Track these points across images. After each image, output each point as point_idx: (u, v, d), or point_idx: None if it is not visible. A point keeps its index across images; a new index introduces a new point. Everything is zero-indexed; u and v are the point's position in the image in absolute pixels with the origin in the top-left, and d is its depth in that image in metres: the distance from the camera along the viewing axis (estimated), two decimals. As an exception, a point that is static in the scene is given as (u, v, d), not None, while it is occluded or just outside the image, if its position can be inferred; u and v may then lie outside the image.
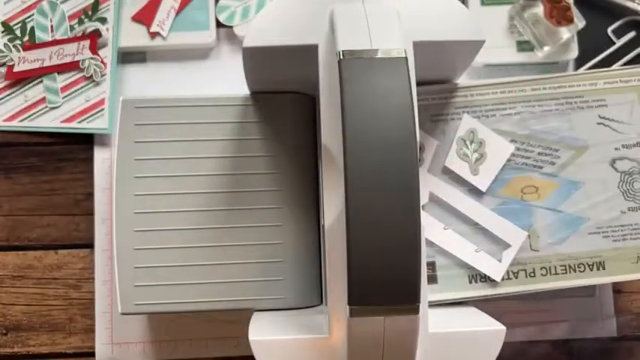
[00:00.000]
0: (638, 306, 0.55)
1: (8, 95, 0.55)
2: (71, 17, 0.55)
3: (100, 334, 0.53)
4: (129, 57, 0.56)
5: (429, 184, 0.47)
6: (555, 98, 0.48)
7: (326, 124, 0.40)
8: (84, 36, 0.55)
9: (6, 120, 0.55)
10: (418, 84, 0.42)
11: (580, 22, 0.54)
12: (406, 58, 0.36)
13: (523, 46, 0.55)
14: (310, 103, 0.49)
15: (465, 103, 0.48)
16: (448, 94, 0.48)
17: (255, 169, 0.48)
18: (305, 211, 0.48)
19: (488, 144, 0.48)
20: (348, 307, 0.34)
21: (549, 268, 0.47)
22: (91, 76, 0.55)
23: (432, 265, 0.47)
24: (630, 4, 0.57)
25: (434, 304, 0.46)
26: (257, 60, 0.43)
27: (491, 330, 0.41)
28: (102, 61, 0.54)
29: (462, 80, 0.49)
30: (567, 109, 0.48)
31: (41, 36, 0.55)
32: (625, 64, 0.56)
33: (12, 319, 0.54)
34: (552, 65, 0.56)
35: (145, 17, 0.55)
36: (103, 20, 0.55)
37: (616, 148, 0.48)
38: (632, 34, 0.57)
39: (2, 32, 0.55)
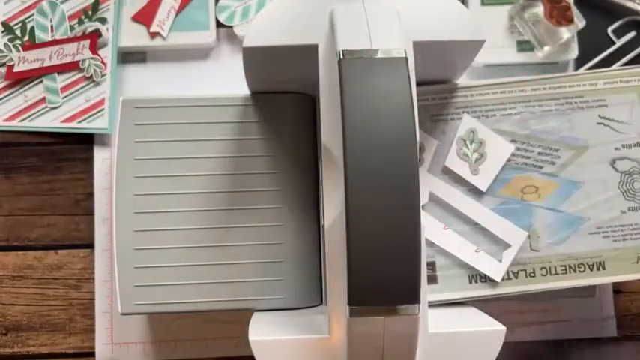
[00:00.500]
0: (638, 306, 0.55)
1: (8, 95, 0.55)
2: (71, 17, 0.55)
3: (100, 334, 0.53)
4: (129, 57, 0.56)
5: (429, 184, 0.47)
6: (555, 98, 0.48)
7: (326, 124, 0.40)
8: (84, 36, 0.55)
9: (6, 120, 0.55)
10: (418, 84, 0.42)
11: (580, 22, 0.54)
12: (406, 58, 0.36)
13: (523, 46, 0.55)
14: (310, 103, 0.49)
15: (465, 103, 0.48)
16: (448, 94, 0.48)
17: (255, 169, 0.48)
18: (305, 211, 0.48)
19: (488, 144, 0.48)
20: (348, 307, 0.34)
21: (549, 268, 0.47)
22: (91, 76, 0.55)
23: (432, 265, 0.47)
24: (630, 4, 0.57)
25: (434, 304, 0.46)
26: (257, 60, 0.43)
27: (491, 330, 0.41)
28: (102, 61, 0.54)
29: (462, 80, 0.49)
30: (567, 109, 0.48)
31: (41, 36, 0.55)
32: (625, 64, 0.56)
33: (12, 319, 0.54)
34: (552, 65, 0.56)
35: (145, 17, 0.55)
36: (103, 20, 0.55)
37: (616, 148, 0.48)
38: (632, 34, 0.57)
39: (2, 32, 0.55)
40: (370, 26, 0.37)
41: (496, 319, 0.43)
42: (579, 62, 0.56)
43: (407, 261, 0.34)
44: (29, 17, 0.56)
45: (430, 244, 0.47)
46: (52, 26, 0.55)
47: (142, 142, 0.48)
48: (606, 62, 0.56)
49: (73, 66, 0.55)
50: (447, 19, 0.42)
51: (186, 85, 0.56)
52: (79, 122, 0.54)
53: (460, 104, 0.48)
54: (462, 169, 0.47)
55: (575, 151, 0.48)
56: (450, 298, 0.47)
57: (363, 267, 0.34)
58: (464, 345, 0.41)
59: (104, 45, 0.55)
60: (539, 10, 0.54)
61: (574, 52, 0.55)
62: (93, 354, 0.53)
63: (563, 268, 0.47)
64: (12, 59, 0.55)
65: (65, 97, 0.55)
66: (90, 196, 0.54)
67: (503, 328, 0.41)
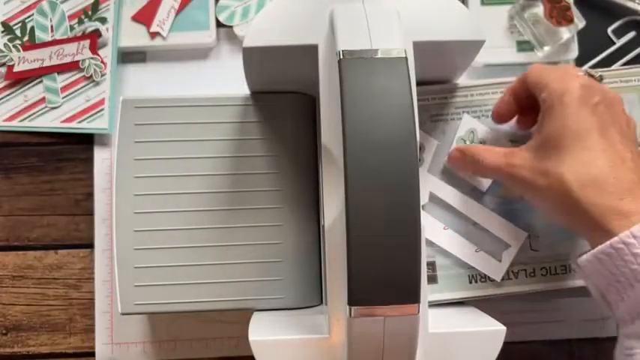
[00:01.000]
0: (638, 306, 0.55)
1: (8, 95, 0.55)
2: (71, 17, 0.55)
3: (100, 334, 0.53)
4: (129, 57, 0.56)
5: (429, 184, 0.47)
6: (555, 98, 0.48)
7: (326, 124, 0.40)
8: (84, 36, 0.55)
9: (6, 120, 0.55)
10: (418, 84, 0.42)
11: (580, 22, 0.54)
12: (406, 58, 0.36)
13: (523, 46, 0.55)
14: (310, 103, 0.49)
15: (465, 103, 0.48)
16: (448, 94, 0.48)
17: (255, 169, 0.48)
18: (305, 211, 0.48)
19: (488, 144, 0.48)
20: (348, 307, 0.34)
21: (549, 268, 0.47)
22: (91, 76, 0.55)
23: (432, 265, 0.47)
24: (630, 4, 0.57)
25: (434, 304, 0.46)
26: (257, 60, 0.43)
27: (491, 330, 0.41)
28: (102, 61, 0.54)
29: (462, 80, 0.49)
30: (567, 109, 0.48)
31: (41, 36, 0.55)
32: (625, 64, 0.56)
33: (12, 319, 0.54)
34: (552, 65, 0.55)
35: (145, 17, 0.55)
36: (103, 20, 0.55)
37: (616, 148, 0.48)
38: (632, 34, 0.57)
39: (2, 32, 0.55)
40: (370, 26, 0.37)
41: (496, 319, 0.43)
42: (579, 62, 0.56)
43: (407, 261, 0.34)
44: (29, 17, 0.56)
45: (430, 244, 0.47)
46: (51, 26, 0.55)
47: (142, 142, 0.48)
48: (606, 62, 0.56)
49: (73, 66, 0.55)
50: (447, 19, 0.42)
51: (186, 85, 0.56)
52: (79, 122, 0.54)
53: (460, 104, 0.48)
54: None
55: (575, 151, 0.48)
56: (450, 298, 0.47)
57: (363, 267, 0.34)
58: (464, 345, 0.41)
59: (104, 45, 0.55)
60: (539, 10, 0.54)
61: (574, 52, 0.55)
62: (93, 354, 0.53)
63: (563, 268, 0.47)
64: (12, 59, 0.55)
65: (65, 97, 0.55)
66: (90, 196, 0.54)
67: (503, 328, 0.41)
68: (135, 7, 0.56)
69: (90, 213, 0.54)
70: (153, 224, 0.47)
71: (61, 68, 0.55)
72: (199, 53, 0.56)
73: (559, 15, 0.54)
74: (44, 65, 0.55)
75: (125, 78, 0.56)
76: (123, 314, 0.46)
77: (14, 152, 0.55)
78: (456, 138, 0.48)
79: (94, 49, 0.55)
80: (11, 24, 0.56)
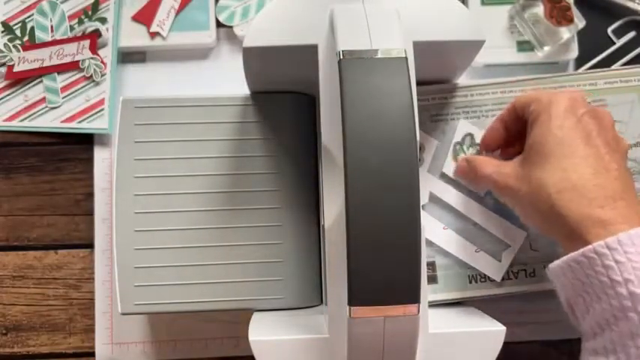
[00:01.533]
0: (638, 306, 0.55)
1: (8, 95, 0.55)
2: (71, 17, 0.55)
3: (100, 334, 0.53)
4: (129, 57, 0.56)
5: (429, 184, 0.47)
6: (555, 98, 0.48)
7: (326, 124, 0.40)
8: (84, 36, 0.55)
9: (6, 120, 0.55)
10: (418, 84, 0.42)
11: (580, 22, 0.54)
12: (406, 58, 0.36)
13: (523, 46, 0.55)
14: (310, 103, 0.49)
15: (465, 103, 0.48)
16: (448, 94, 0.48)
17: (255, 169, 0.48)
18: (305, 211, 0.48)
19: None
20: (348, 307, 0.34)
21: (549, 268, 0.47)
22: (91, 76, 0.55)
23: (432, 265, 0.47)
24: (630, 4, 0.57)
25: (434, 304, 0.46)
26: (257, 60, 0.43)
27: (491, 330, 0.41)
28: (102, 61, 0.54)
29: (462, 80, 0.49)
30: (567, 109, 0.48)
31: (41, 36, 0.55)
32: (625, 64, 0.56)
33: (12, 319, 0.54)
34: (552, 65, 0.56)
35: (145, 17, 0.55)
36: (103, 20, 0.55)
37: (616, 148, 0.48)
38: (632, 34, 0.57)
39: (2, 32, 0.55)
40: (370, 26, 0.37)
41: (496, 319, 0.43)
42: (579, 62, 0.56)
43: (407, 261, 0.34)
44: (29, 17, 0.56)
45: (430, 244, 0.47)
46: (52, 26, 0.55)
47: (142, 142, 0.48)
48: (606, 62, 0.56)
49: (73, 66, 0.55)
50: (447, 19, 0.42)
51: (186, 85, 0.56)
52: (79, 122, 0.54)
53: (460, 104, 0.48)
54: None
55: (575, 151, 0.48)
56: (450, 298, 0.47)
57: (363, 267, 0.34)
58: (464, 345, 0.41)
59: (104, 45, 0.55)
60: (539, 10, 0.54)
61: (574, 52, 0.55)
62: (93, 354, 0.53)
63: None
64: (12, 59, 0.55)
65: (65, 97, 0.55)
66: (90, 196, 0.54)
67: (503, 328, 0.41)
68: (135, 7, 0.56)
69: (90, 213, 0.54)
70: (153, 224, 0.47)
71: (61, 68, 0.55)
72: (199, 53, 0.56)
73: (559, 15, 0.54)
74: (44, 65, 0.55)
75: (125, 78, 0.56)
76: (123, 314, 0.46)
77: (14, 152, 0.55)
78: (453, 143, 0.48)
79: (94, 49, 0.55)
80: (11, 24, 0.56)
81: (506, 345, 0.41)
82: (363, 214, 0.34)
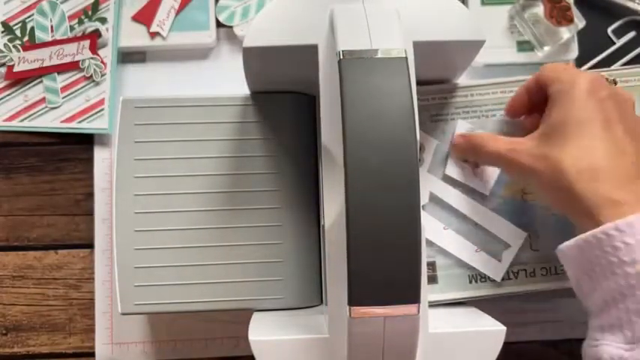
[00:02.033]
0: (638, 306, 0.55)
1: (8, 95, 0.55)
2: (71, 17, 0.55)
3: (100, 334, 0.53)
4: (129, 57, 0.56)
5: (429, 184, 0.47)
6: (555, 98, 0.48)
7: (326, 124, 0.40)
8: (84, 36, 0.55)
9: (6, 120, 0.55)
10: (418, 84, 0.42)
11: (580, 22, 0.54)
12: (406, 58, 0.36)
13: (523, 46, 0.55)
14: (310, 103, 0.49)
15: (465, 103, 0.48)
16: (448, 94, 0.48)
17: (255, 169, 0.48)
18: (305, 211, 0.48)
19: None
20: (348, 307, 0.34)
21: (549, 268, 0.47)
22: (91, 76, 0.55)
23: (432, 265, 0.47)
24: (630, 4, 0.57)
25: (434, 304, 0.46)
26: (257, 60, 0.43)
27: (491, 330, 0.41)
28: (102, 61, 0.54)
29: (462, 80, 0.49)
30: (567, 109, 0.48)
31: (41, 36, 0.55)
32: (625, 64, 0.56)
33: (12, 319, 0.54)
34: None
35: (145, 17, 0.55)
36: (103, 20, 0.55)
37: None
38: (632, 34, 0.57)
39: (2, 32, 0.55)
40: (370, 26, 0.37)
41: (496, 319, 0.43)
42: (579, 62, 0.56)
43: (407, 261, 0.34)
44: (29, 17, 0.56)
45: (430, 244, 0.47)
46: (52, 26, 0.55)
47: (142, 142, 0.48)
48: (606, 62, 0.56)
49: (73, 66, 0.55)
50: (447, 19, 0.42)
51: (186, 85, 0.56)
52: (79, 122, 0.54)
53: (460, 104, 0.48)
54: (463, 175, 0.47)
55: (575, 151, 0.48)
56: (450, 298, 0.47)
57: (363, 267, 0.34)
58: (464, 345, 0.41)
59: (104, 45, 0.55)
60: (539, 10, 0.54)
61: (574, 52, 0.55)
62: (93, 354, 0.53)
63: (564, 268, 0.47)
64: (12, 59, 0.55)
65: (65, 97, 0.55)
66: (90, 196, 0.54)
67: (503, 328, 0.41)
68: (135, 7, 0.56)
69: (90, 213, 0.54)
70: (153, 224, 0.47)
71: (61, 68, 0.55)
72: (199, 53, 0.56)
73: (559, 15, 0.54)
74: (44, 65, 0.55)
75: (125, 78, 0.56)
76: (123, 314, 0.46)
77: (14, 152, 0.55)
78: (450, 144, 0.48)
79: (94, 49, 0.55)
80: (11, 24, 0.56)
81: (506, 345, 0.41)
82: (363, 214, 0.34)
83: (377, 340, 0.35)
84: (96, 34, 0.55)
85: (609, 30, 0.57)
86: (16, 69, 0.55)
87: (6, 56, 0.55)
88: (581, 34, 0.55)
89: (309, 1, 0.41)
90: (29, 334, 0.53)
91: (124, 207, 0.47)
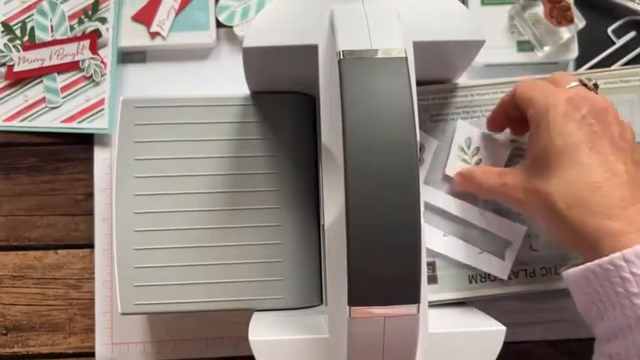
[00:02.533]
0: (638, 306, 0.55)
1: (8, 95, 0.55)
2: (71, 17, 0.55)
3: (100, 334, 0.53)
4: (129, 57, 0.56)
5: (424, 194, 0.47)
6: (555, 98, 0.48)
7: (326, 124, 0.40)
8: (84, 36, 0.55)
9: (6, 120, 0.55)
10: (418, 84, 0.42)
11: (580, 22, 0.54)
12: (406, 58, 0.36)
13: (523, 46, 0.55)
14: (310, 103, 0.49)
15: (465, 103, 0.48)
16: (448, 94, 0.48)
17: (255, 169, 0.48)
18: (305, 211, 0.48)
19: (485, 146, 0.48)
20: (348, 307, 0.34)
21: (549, 268, 0.47)
22: (91, 76, 0.55)
23: (432, 265, 0.47)
24: (630, 4, 0.57)
25: (434, 304, 0.46)
26: (257, 60, 0.43)
27: (491, 330, 0.41)
28: (102, 61, 0.54)
29: (462, 80, 0.49)
30: (567, 109, 0.48)
31: (41, 36, 0.55)
32: (625, 64, 0.56)
33: (12, 319, 0.54)
34: (552, 65, 0.56)
35: (145, 17, 0.55)
36: (103, 20, 0.55)
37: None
38: (632, 34, 0.57)
39: (2, 32, 0.55)
40: (370, 26, 0.37)
41: (496, 319, 0.43)
42: (579, 62, 0.56)
43: (407, 261, 0.34)
44: (29, 17, 0.56)
45: (433, 253, 0.47)
46: (52, 26, 0.55)
47: (142, 142, 0.48)
48: (606, 62, 0.56)
49: (73, 66, 0.55)
50: (447, 19, 0.42)
51: (186, 85, 0.56)
52: (79, 122, 0.54)
53: (460, 104, 0.48)
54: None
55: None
56: (450, 298, 0.47)
57: (363, 267, 0.34)
58: (464, 345, 0.41)
59: (104, 45, 0.55)
60: (539, 10, 0.54)
61: (574, 52, 0.55)
62: (93, 354, 0.53)
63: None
64: (12, 59, 0.55)
65: (65, 97, 0.55)
66: (90, 196, 0.54)
67: (503, 328, 0.41)
68: (135, 7, 0.56)
69: (90, 213, 0.54)
70: (153, 224, 0.47)
71: (61, 68, 0.55)
72: (199, 53, 0.56)
73: (559, 15, 0.54)
74: (44, 65, 0.55)
75: (125, 78, 0.56)
76: (123, 314, 0.46)
77: (14, 152, 0.55)
78: (454, 146, 0.47)
79: (94, 49, 0.55)
80: (11, 24, 0.56)
81: (506, 345, 0.41)
82: (363, 214, 0.34)
83: (377, 340, 0.35)
84: (96, 34, 0.55)
85: (609, 30, 0.57)
86: (16, 69, 0.55)
87: (6, 56, 0.55)
88: (581, 34, 0.55)
89: (309, 1, 0.41)
90: (29, 334, 0.53)
91: (124, 207, 0.47)
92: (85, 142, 0.55)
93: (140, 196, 0.47)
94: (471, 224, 0.47)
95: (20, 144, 0.55)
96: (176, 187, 0.47)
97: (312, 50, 0.41)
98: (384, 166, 0.34)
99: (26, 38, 0.55)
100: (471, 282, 0.47)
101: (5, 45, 0.55)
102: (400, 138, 0.34)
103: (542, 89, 0.41)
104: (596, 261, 0.36)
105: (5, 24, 0.56)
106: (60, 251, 0.54)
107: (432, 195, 0.47)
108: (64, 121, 0.55)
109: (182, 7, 0.56)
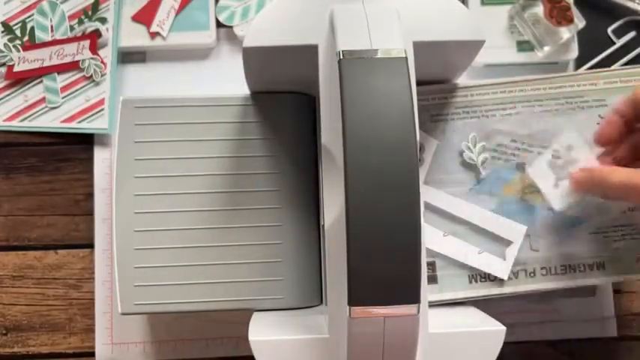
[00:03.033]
0: (638, 306, 0.55)
1: (8, 95, 0.55)
2: (71, 17, 0.55)
3: (100, 334, 0.53)
4: (129, 57, 0.56)
5: (424, 195, 0.47)
6: (555, 98, 0.48)
7: (326, 124, 0.40)
8: (84, 36, 0.55)
9: (6, 120, 0.55)
10: (418, 84, 0.42)
11: (580, 22, 0.54)
12: (406, 58, 0.36)
13: (523, 46, 0.55)
14: (310, 103, 0.49)
15: (465, 103, 0.48)
16: (448, 94, 0.48)
17: (255, 169, 0.48)
18: (305, 211, 0.48)
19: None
20: (348, 307, 0.34)
21: (549, 268, 0.47)
22: (91, 76, 0.55)
23: (432, 265, 0.47)
24: (630, 4, 0.57)
25: (434, 304, 0.46)
26: (257, 60, 0.43)
27: (491, 330, 0.41)
28: (102, 61, 0.54)
29: (462, 80, 0.49)
30: (567, 109, 0.48)
31: (41, 36, 0.55)
32: (625, 64, 0.56)
33: (12, 319, 0.54)
34: (552, 65, 0.56)
35: (145, 17, 0.55)
36: (103, 20, 0.55)
37: (616, 148, 0.48)
38: (632, 34, 0.57)
39: (2, 32, 0.55)
40: (370, 26, 0.37)
41: (496, 319, 0.43)
42: (579, 62, 0.56)
43: (407, 261, 0.34)
44: (29, 17, 0.56)
45: (433, 253, 0.47)
46: (52, 26, 0.55)
47: (142, 142, 0.48)
48: (606, 62, 0.56)
49: (73, 66, 0.55)
50: (447, 19, 0.42)
51: (186, 85, 0.56)
52: (79, 122, 0.54)
53: (460, 104, 0.48)
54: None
55: (575, 151, 0.48)
56: (450, 298, 0.47)
57: (362, 267, 0.34)
58: (464, 345, 0.41)
59: (104, 45, 0.55)
60: (539, 10, 0.54)
61: (574, 52, 0.55)
62: (93, 354, 0.53)
63: (563, 268, 0.47)
64: (12, 59, 0.55)
65: (65, 97, 0.55)
66: (90, 196, 0.54)
67: (503, 328, 0.41)
68: (135, 7, 0.56)
69: (90, 213, 0.54)
70: (153, 224, 0.47)
71: (61, 68, 0.55)
72: (199, 53, 0.56)
73: (559, 15, 0.54)
74: (44, 65, 0.55)
75: (125, 78, 0.56)
76: (123, 314, 0.46)
77: (14, 152, 0.55)
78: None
79: (94, 49, 0.55)
80: (11, 24, 0.56)
81: (506, 345, 0.41)
82: (363, 214, 0.34)
83: (377, 340, 0.35)
84: (96, 34, 0.55)
85: (609, 30, 0.57)
86: (16, 69, 0.55)
87: (6, 56, 0.55)
88: (581, 34, 0.55)
89: (309, 1, 0.41)
90: (29, 334, 0.53)
91: (124, 207, 0.47)
92: (85, 142, 0.55)
93: (140, 196, 0.47)
94: (471, 224, 0.47)
95: (20, 144, 0.55)
96: (176, 187, 0.47)
97: (312, 50, 0.41)
98: (384, 166, 0.34)
99: (26, 38, 0.55)
100: (470, 282, 0.47)
101: (5, 45, 0.55)
102: (400, 138, 0.34)
103: None
104: None
105: (5, 24, 0.56)
106: (60, 251, 0.54)
107: (432, 195, 0.47)
108: (64, 121, 0.55)
109: (182, 7, 0.56)
